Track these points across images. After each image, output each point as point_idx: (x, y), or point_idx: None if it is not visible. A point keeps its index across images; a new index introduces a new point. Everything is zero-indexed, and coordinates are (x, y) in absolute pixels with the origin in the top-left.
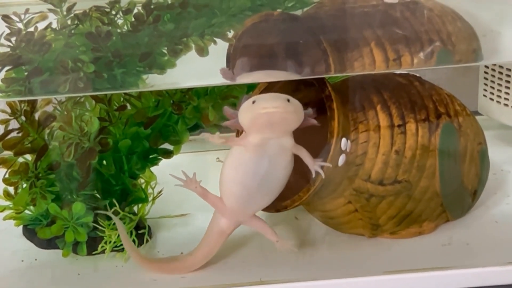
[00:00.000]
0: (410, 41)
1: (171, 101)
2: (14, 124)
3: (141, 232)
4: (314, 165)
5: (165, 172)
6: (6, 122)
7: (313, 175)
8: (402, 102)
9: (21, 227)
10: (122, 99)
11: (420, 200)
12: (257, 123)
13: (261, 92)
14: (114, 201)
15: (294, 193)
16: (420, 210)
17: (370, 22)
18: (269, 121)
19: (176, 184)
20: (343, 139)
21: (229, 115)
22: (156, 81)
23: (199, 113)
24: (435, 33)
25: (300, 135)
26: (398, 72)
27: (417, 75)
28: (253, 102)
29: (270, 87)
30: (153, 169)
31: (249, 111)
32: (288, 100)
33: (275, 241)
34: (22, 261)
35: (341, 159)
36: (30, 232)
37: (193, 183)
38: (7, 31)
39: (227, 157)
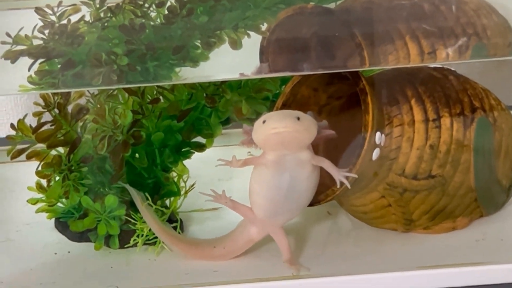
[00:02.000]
0: (445, 34)
1: (204, 94)
2: (47, 117)
3: (173, 226)
4: (338, 175)
5: (197, 166)
6: (39, 114)
7: (338, 185)
8: (437, 96)
9: (53, 220)
10: (155, 92)
11: (454, 195)
12: (268, 143)
13: (294, 86)
14: (147, 194)
15: (328, 187)
16: (454, 205)
17: (404, 15)
18: (279, 141)
19: (207, 199)
20: (377, 133)
21: (245, 133)
22: (188, 74)
23: (232, 106)
24: (470, 26)
25: (334, 130)
26: (432, 66)
27: (452, 69)
28: (264, 121)
29: (303, 81)
30: (185, 162)
31: (260, 131)
32: (299, 118)
33: (285, 259)
34: (55, 253)
35: (375, 153)
36: (62, 225)
37: (223, 198)
38: (40, 23)
39: (252, 171)
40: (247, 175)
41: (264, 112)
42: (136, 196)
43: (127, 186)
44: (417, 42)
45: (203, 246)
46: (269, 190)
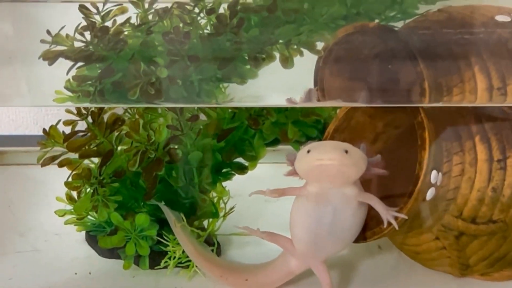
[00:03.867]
0: None
1: (248, 114)
2: (82, 125)
3: (210, 249)
4: (387, 214)
5: (240, 184)
6: (71, 124)
7: (385, 225)
8: (504, 134)
9: (84, 232)
10: (196, 107)
11: None
12: (312, 175)
13: (348, 110)
14: (182, 215)
15: (376, 223)
16: None
17: (475, 43)
18: (323, 173)
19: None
20: (434, 172)
21: (290, 162)
22: (235, 92)
23: (278, 128)
24: None
25: (389, 161)
26: None
27: None
28: (308, 151)
29: (357, 108)
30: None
31: (304, 161)
32: (347, 151)
33: None
34: (76, 273)
35: (430, 193)
36: (92, 239)
37: (258, 233)
38: (84, 23)
39: (294, 201)
40: None
41: (308, 142)
42: (170, 215)
43: (161, 205)
44: (486, 75)
45: (238, 275)
46: (309, 223)
